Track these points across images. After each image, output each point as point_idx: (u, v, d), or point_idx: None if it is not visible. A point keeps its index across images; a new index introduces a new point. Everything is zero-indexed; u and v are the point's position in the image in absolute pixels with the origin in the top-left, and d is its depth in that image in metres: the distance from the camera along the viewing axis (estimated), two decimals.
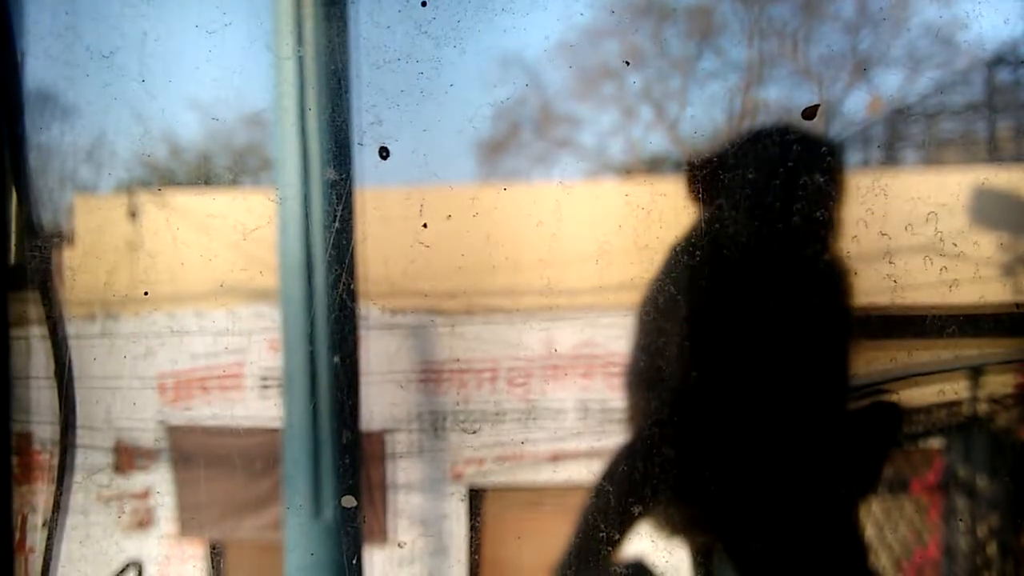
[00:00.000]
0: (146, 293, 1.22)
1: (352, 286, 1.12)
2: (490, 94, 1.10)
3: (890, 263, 1.10)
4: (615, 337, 1.18)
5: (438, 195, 1.12)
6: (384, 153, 1.11)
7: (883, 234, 1.10)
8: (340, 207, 1.11)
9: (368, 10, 1.11)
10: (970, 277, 1.12)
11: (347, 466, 1.17)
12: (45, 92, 1.22)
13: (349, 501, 1.16)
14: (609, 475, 1.17)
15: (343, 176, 1.12)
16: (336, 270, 1.11)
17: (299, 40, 1.10)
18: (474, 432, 1.18)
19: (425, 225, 1.12)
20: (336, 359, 1.13)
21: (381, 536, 1.34)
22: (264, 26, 1.12)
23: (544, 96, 1.15)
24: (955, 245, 1.11)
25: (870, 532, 1.22)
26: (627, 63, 1.11)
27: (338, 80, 1.10)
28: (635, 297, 1.15)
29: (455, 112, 1.10)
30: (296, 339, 1.14)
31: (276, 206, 1.14)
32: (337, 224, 1.11)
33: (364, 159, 1.12)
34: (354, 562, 1.18)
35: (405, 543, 1.32)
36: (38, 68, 1.22)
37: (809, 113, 1.09)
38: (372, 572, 1.24)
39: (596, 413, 1.21)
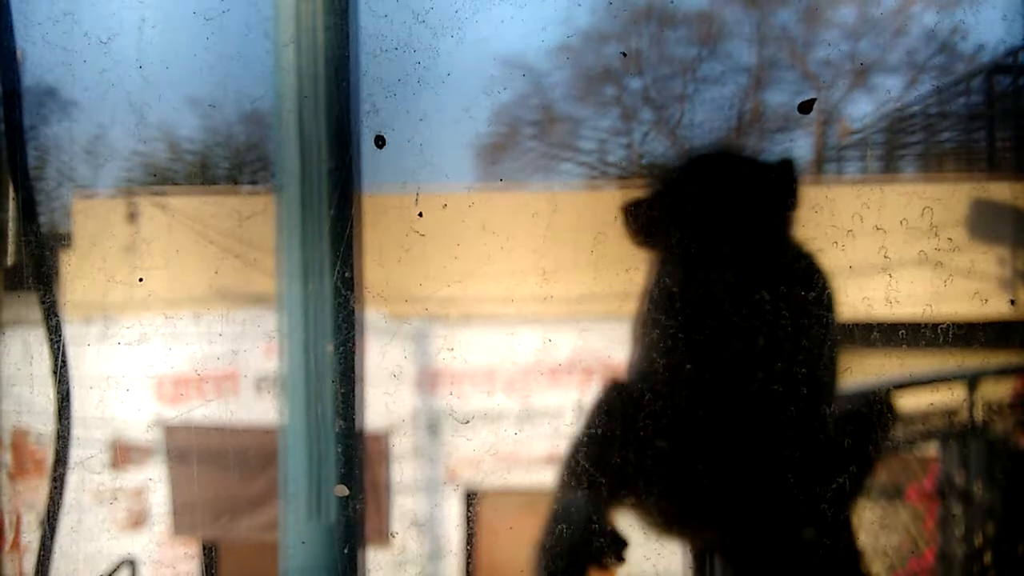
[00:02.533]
0: (141, 280, 1.22)
1: (348, 275, 1.12)
2: (487, 84, 1.10)
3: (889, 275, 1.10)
4: (610, 338, 1.18)
5: (434, 184, 1.12)
6: (380, 142, 1.11)
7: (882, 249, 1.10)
8: (337, 194, 1.11)
9: None
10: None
11: (345, 465, 1.16)
12: (43, 78, 1.23)
13: (341, 491, 1.15)
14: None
15: (340, 164, 1.12)
16: (332, 258, 1.11)
17: (298, 28, 1.10)
18: (466, 422, 1.17)
19: (421, 214, 1.12)
20: (330, 348, 1.12)
21: (379, 536, 1.33)
22: (262, 13, 1.13)
23: (542, 88, 1.15)
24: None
25: (863, 538, 1.21)
26: (624, 54, 1.11)
27: (336, 69, 1.10)
28: (627, 288, 1.14)
29: (452, 102, 1.10)
30: (293, 331, 1.14)
31: (274, 194, 1.14)
32: (333, 212, 1.11)
33: (361, 147, 1.12)
34: (351, 562, 1.17)
35: (402, 541, 1.32)
36: (36, 54, 1.22)
37: (805, 107, 1.09)
38: (369, 571, 1.23)
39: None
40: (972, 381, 1.20)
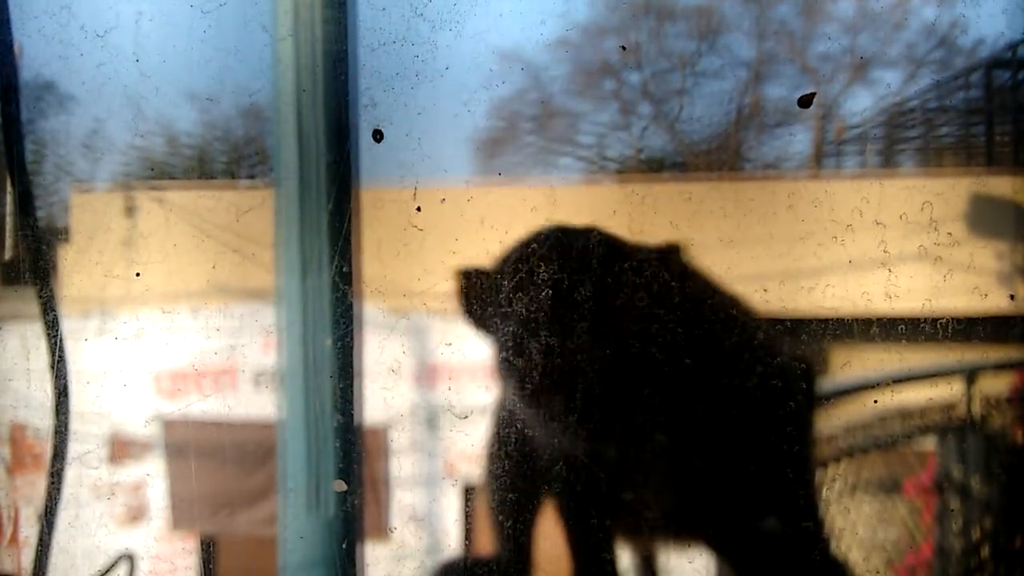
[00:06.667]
0: (138, 274, 1.22)
1: (346, 269, 1.12)
2: (485, 78, 1.10)
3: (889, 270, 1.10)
4: None
5: (432, 178, 1.12)
6: (378, 136, 1.10)
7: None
8: (335, 189, 1.11)
9: None
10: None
11: (344, 460, 1.16)
12: (40, 72, 1.23)
13: (340, 486, 1.15)
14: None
15: (338, 158, 1.12)
16: (330, 252, 1.11)
17: (296, 21, 1.09)
18: (465, 417, 1.17)
19: (419, 208, 1.11)
20: (328, 343, 1.12)
21: (377, 531, 1.33)
22: (260, 6, 1.12)
23: (540, 82, 1.15)
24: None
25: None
26: (623, 48, 1.11)
27: (333, 62, 1.10)
28: None
29: (450, 96, 1.10)
30: (292, 325, 1.14)
31: (272, 188, 1.14)
32: (331, 206, 1.10)
33: (359, 141, 1.12)
34: (350, 556, 1.17)
35: (401, 536, 1.32)
36: (33, 48, 1.22)
37: (805, 101, 1.09)
38: (368, 566, 1.23)
39: None
40: (971, 376, 1.20)
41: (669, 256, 1.10)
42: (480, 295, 1.12)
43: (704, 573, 1.17)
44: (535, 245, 1.10)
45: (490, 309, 1.11)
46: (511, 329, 1.09)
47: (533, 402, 1.11)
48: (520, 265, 1.09)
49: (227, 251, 1.24)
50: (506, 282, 1.09)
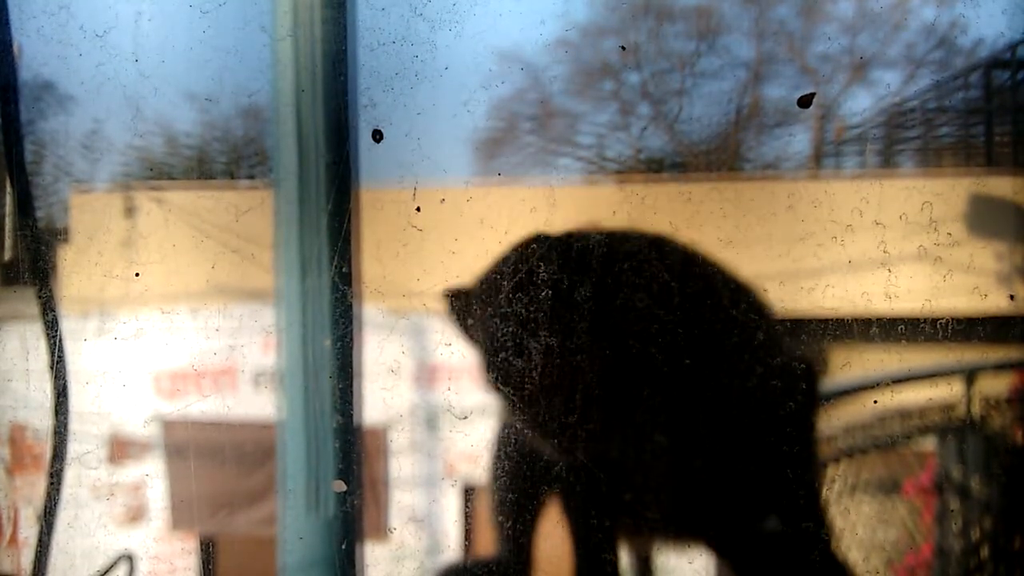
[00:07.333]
0: (137, 274, 1.22)
1: (345, 269, 1.12)
2: (485, 78, 1.10)
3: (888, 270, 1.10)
4: None
5: (432, 178, 1.12)
6: (378, 136, 1.11)
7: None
8: (334, 189, 1.11)
9: None
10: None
11: (343, 460, 1.16)
12: (39, 72, 1.23)
13: (339, 486, 1.15)
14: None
15: (337, 158, 1.12)
16: (329, 253, 1.11)
17: (295, 21, 1.10)
18: (464, 418, 1.17)
19: (419, 209, 1.11)
20: (328, 343, 1.12)
21: (377, 531, 1.33)
22: (260, 7, 1.12)
23: (540, 82, 1.15)
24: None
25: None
26: (623, 48, 1.11)
27: (333, 63, 1.10)
28: None
29: (449, 96, 1.10)
30: (291, 326, 1.14)
31: (271, 188, 1.14)
32: (331, 206, 1.10)
33: (358, 142, 1.12)
34: (349, 557, 1.17)
35: (400, 536, 1.32)
36: (32, 48, 1.22)
37: (804, 101, 1.09)
38: (367, 567, 1.23)
39: None
40: (970, 376, 1.20)
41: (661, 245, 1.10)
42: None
43: (704, 573, 1.17)
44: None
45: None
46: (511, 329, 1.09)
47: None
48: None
49: (226, 251, 1.24)
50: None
